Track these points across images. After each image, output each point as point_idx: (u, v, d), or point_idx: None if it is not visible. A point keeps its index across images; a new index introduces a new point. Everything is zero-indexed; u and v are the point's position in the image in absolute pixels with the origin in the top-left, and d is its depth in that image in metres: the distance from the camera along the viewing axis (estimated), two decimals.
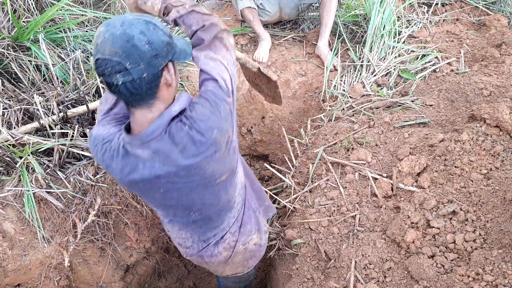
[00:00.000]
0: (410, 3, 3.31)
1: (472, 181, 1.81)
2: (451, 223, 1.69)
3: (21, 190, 2.08)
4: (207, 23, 1.38)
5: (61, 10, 2.83)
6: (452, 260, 1.60)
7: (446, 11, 3.34)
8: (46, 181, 2.11)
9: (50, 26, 2.80)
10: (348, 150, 2.27)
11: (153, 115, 1.22)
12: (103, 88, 2.54)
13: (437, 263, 1.59)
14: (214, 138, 1.24)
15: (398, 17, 3.14)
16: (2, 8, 2.66)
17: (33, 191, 2.06)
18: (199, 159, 1.25)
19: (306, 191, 2.20)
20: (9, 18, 2.61)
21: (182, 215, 1.51)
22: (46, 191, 2.09)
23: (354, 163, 2.15)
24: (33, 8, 2.74)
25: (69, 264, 2.12)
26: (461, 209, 1.71)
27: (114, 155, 1.29)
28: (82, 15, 3.00)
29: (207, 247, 1.70)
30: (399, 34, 3.04)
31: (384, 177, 2.04)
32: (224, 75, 1.30)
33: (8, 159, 2.14)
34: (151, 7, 1.40)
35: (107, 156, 1.31)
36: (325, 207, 2.04)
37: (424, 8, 3.37)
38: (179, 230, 1.66)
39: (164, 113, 1.22)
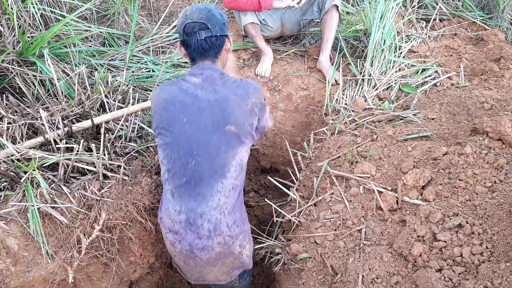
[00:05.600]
0: (409, 19, 3.37)
1: (477, 194, 1.82)
2: (457, 236, 1.70)
3: (26, 205, 2.07)
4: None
5: (66, 25, 2.87)
6: (460, 274, 1.60)
7: (444, 26, 3.40)
8: (51, 196, 2.10)
9: (55, 41, 2.83)
10: (352, 163, 2.28)
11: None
12: (107, 102, 2.56)
13: (445, 277, 1.59)
14: (249, 93, 1.73)
15: (398, 32, 3.19)
16: (8, 23, 2.69)
17: (37, 206, 2.05)
18: (231, 92, 1.71)
19: (311, 205, 2.20)
20: (15, 33, 2.64)
21: (183, 160, 1.71)
22: (50, 206, 2.08)
23: (359, 176, 2.16)
24: (39, 23, 2.77)
25: (72, 280, 2.10)
26: (467, 222, 1.72)
27: (171, 82, 1.81)
28: (86, 30, 3.04)
29: (200, 238, 1.72)
30: (399, 49, 3.09)
31: (389, 190, 2.05)
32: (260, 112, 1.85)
33: (13, 174, 2.13)
34: None
35: (166, 86, 1.80)
36: (330, 221, 2.05)
37: (423, 23, 3.43)
38: (172, 198, 1.76)
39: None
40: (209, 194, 1.71)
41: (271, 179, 2.46)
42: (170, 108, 1.73)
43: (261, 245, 2.30)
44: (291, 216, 2.20)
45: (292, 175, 2.52)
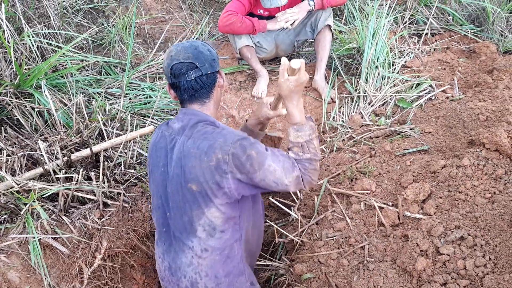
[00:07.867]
0: (401, 35, 3.43)
1: (477, 205, 1.82)
2: (460, 249, 1.69)
3: (26, 237, 2.06)
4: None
5: (62, 56, 2.91)
6: (464, 287, 1.58)
7: (436, 40, 3.45)
8: (52, 227, 2.10)
9: (52, 72, 2.87)
10: (351, 180, 2.28)
11: (201, 109, 1.65)
12: (106, 130, 2.58)
13: None
14: (214, 147, 1.50)
15: (391, 48, 3.24)
16: (4, 57, 2.73)
17: (38, 238, 2.04)
18: (194, 146, 1.53)
19: (313, 224, 2.19)
20: (12, 66, 2.68)
21: (161, 210, 1.67)
22: (51, 237, 2.07)
23: (359, 193, 2.16)
24: (35, 54, 2.82)
25: None
26: (469, 234, 1.72)
27: (160, 125, 1.73)
28: (83, 60, 3.08)
29: None
30: (392, 65, 3.13)
31: (389, 205, 2.04)
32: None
33: (13, 206, 2.13)
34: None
35: (157, 130, 1.74)
36: (333, 239, 2.03)
37: (415, 38, 3.49)
38: (156, 245, 1.74)
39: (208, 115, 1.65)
40: (181, 250, 1.62)
41: (272, 199, 2.45)
42: (152, 153, 1.69)
43: (266, 267, 2.28)
44: (294, 236, 2.19)
45: (292, 194, 2.51)
